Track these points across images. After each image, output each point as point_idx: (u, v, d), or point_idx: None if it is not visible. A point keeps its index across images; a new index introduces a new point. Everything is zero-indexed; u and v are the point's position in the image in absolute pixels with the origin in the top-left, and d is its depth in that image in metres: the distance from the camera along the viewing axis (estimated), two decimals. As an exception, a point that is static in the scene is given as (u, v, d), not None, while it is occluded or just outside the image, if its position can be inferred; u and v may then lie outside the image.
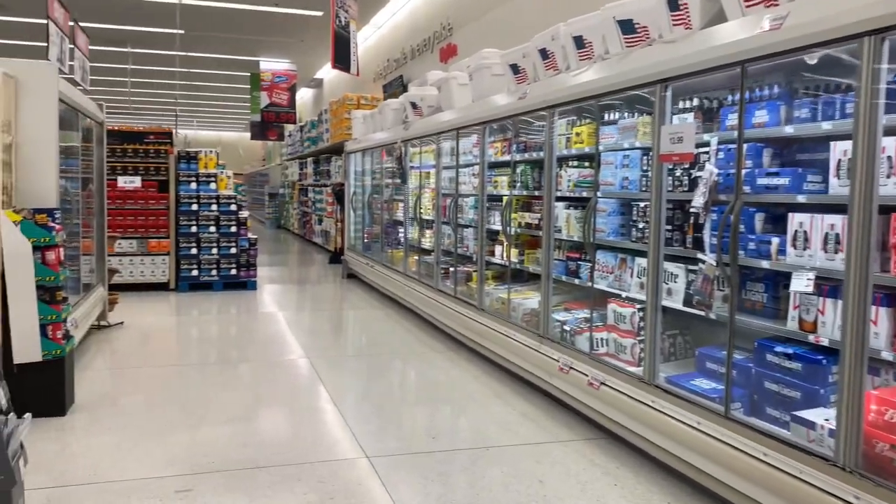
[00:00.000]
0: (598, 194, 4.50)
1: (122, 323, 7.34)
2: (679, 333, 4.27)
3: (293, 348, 6.53)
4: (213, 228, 9.73)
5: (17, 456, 2.90)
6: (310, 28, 15.18)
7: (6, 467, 2.78)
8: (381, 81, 14.79)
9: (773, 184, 3.25)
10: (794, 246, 3.11)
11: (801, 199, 3.12)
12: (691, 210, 3.59)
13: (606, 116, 4.57)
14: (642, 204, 4.14)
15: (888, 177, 2.66)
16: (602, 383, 4.12)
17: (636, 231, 4.23)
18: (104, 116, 7.12)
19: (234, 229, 9.81)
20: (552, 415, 4.68)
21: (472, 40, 10.08)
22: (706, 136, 3.63)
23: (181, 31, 15.23)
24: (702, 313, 3.62)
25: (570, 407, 4.61)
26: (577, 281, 4.90)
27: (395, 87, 13.16)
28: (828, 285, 2.98)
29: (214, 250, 9.75)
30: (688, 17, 3.59)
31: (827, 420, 2.87)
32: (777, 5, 3.11)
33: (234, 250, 9.82)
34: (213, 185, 9.80)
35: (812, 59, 2.94)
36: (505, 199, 5.74)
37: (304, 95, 25.50)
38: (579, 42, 4.54)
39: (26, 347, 4.33)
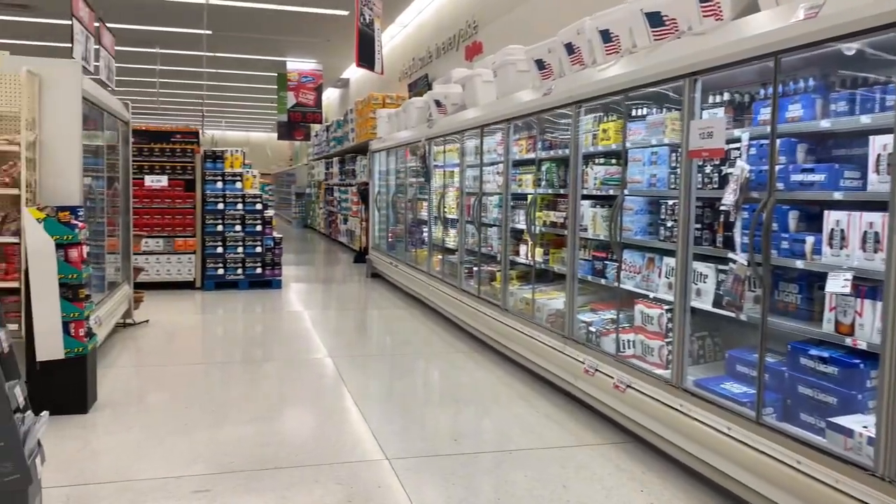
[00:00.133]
0: (626, 192, 4.39)
1: (147, 321, 7.37)
2: (708, 335, 4.14)
3: (317, 347, 6.50)
4: (238, 227, 9.76)
5: (33, 454, 2.88)
6: (336, 27, 15.18)
7: (22, 466, 2.76)
8: (407, 80, 14.75)
9: (808, 180, 3.12)
10: (830, 245, 2.98)
11: (837, 196, 2.99)
12: (722, 208, 3.47)
13: (634, 112, 4.46)
14: (671, 202, 4.02)
15: (932, 172, 2.53)
16: (628, 386, 4.01)
17: (664, 230, 4.11)
18: (130, 115, 7.16)
19: (259, 228, 9.83)
20: (577, 417, 4.58)
21: (497, 38, 9.98)
22: (737, 132, 3.51)
23: (209, 32, 15.33)
24: (732, 315, 3.50)
25: (595, 410, 4.51)
26: (603, 281, 4.79)
27: (421, 86, 13.10)
28: (866, 286, 2.85)
29: (240, 249, 9.78)
30: (718, 7, 3.48)
31: (865, 427, 2.74)
32: (813, -6, 2.98)
33: (259, 249, 9.84)
34: (238, 185, 9.83)
35: (850, 50, 2.81)
36: (530, 197, 5.65)
37: (330, 95, 25.57)
38: (606, 36, 4.44)
39: (49, 345, 4.34)
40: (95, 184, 5.94)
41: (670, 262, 4.05)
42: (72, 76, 4.78)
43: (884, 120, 2.76)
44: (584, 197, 4.95)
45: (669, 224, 4.04)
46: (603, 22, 4.45)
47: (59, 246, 4.35)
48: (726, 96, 3.70)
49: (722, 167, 3.61)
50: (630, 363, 4.16)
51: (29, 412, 2.95)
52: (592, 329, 4.69)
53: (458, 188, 7.40)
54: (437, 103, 7.99)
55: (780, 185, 3.20)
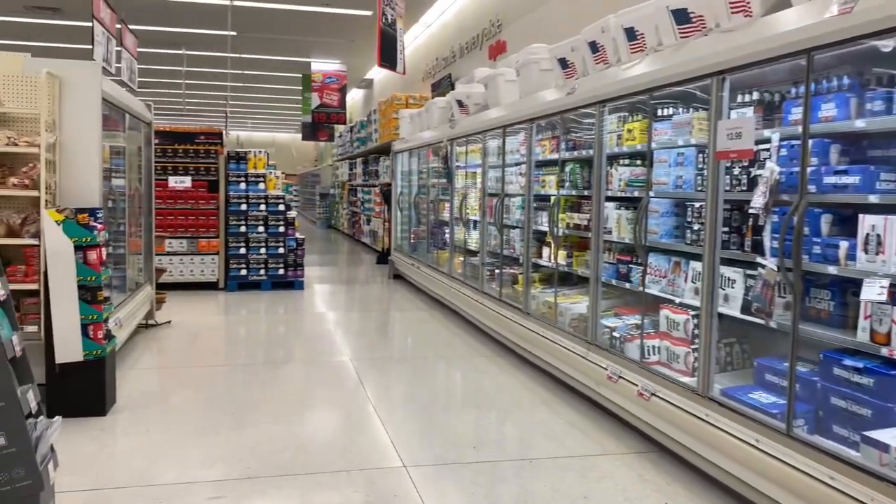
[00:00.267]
0: (651, 194, 4.27)
1: (169, 322, 7.39)
2: (736, 342, 4.02)
3: (337, 350, 6.45)
4: (261, 228, 9.77)
5: (46, 460, 2.85)
6: (360, 28, 15.17)
7: (34, 471, 2.73)
8: (430, 80, 14.68)
9: (842, 183, 2.99)
10: (866, 250, 2.86)
11: (873, 199, 2.86)
12: (750, 211, 3.34)
13: (659, 112, 4.34)
14: (697, 204, 3.90)
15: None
16: (653, 394, 3.89)
17: (691, 233, 3.99)
18: (152, 117, 7.17)
19: (281, 229, 9.83)
20: (600, 425, 4.47)
21: (521, 36, 9.87)
22: (767, 132, 3.38)
23: (233, 33, 15.40)
24: (761, 321, 3.37)
25: (618, 417, 4.39)
26: (627, 285, 4.68)
27: (444, 87, 13.02)
28: (904, 294, 2.72)
29: (262, 250, 9.79)
30: (748, 3, 3.35)
31: (903, 442, 2.62)
32: (847, -12, 2.85)
33: (281, 250, 9.84)
34: (261, 186, 9.83)
35: (886, 46, 2.68)
36: (553, 198, 5.55)
37: (354, 96, 25.61)
38: (630, 34, 4.33)
39: (68, 347, 4.33)
40: (117, 185, 5.95)
41: (697, 266, 3.93)
42: (91, 78, 4.77)
43: (923, 119, 2.64)
44: (609, 199, 4.84)
45: (696, 227, 3.92)
46: (628, 19, 4.34)
47: (77, 248, 4.34)
48: (755, 95, 3.57)
49: (751, 169, 3.49)
50: (655, 370, 4.04)
51: (42, 417, 2.92)
52: (616, 335, 4.57)
53: (481, 189, 7.32)
54: (460, 103, 7.91)
55: (811, 188, 3.08)
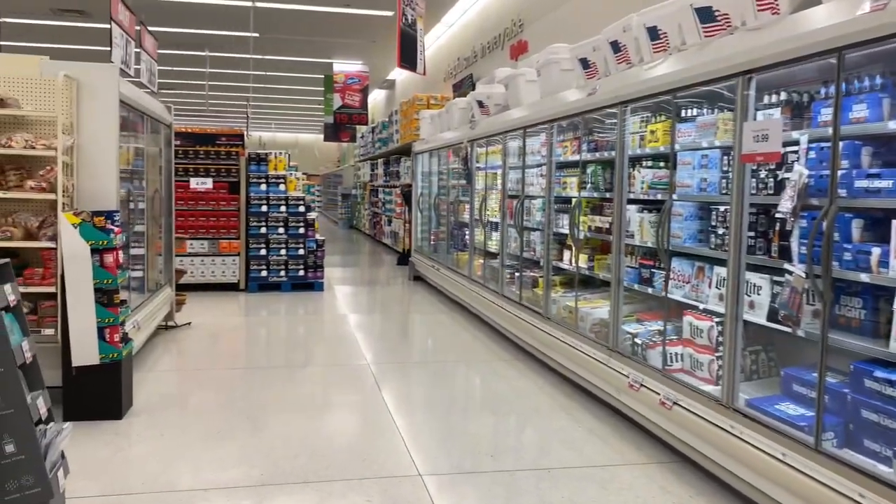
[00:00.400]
0: (674, 197, 4.16)
1: (189, 323, 7.39)
2: (762, 350, 3.90)
3: (356, 353, 6.40)
4: (281, 230, 9.77)
5: (56, 467, 2.82)
6: (381, 29, 15.14)
7: (43, 479, 2.70)
8: (452, 81, 14.61)
9: (874, 187, 2.87)
10: (899, 257, 2.73)
11: (907, 204, 2.74)
12: (778, 215, 3.23)
13: (683, 113, 4.23)
14: (722, 208, 3.79)
15: None
16: (675, 403, 3.79)
17: (715, 237, 3.88)
18: (172, 119, 7.17)
19: (301, 230, 9.82)
20: (621, 433, 4.37)
21: (543, 36, 9.76)
22: (795, 134, 3.26)
23: (255, 35, 15.45)
24: (788, 329, 3.25)
25: (639, 425, 4.29)
26: (650, 290, 4.57)
27: (466, 87, 12.94)
28: (940, 303, 2.60)
29: (283, 251, 9.79)
30: (775, 1, 3.24)
31: (938, 459, 2.50)
32: (881, -16, 2.73)
33: (301, 251, 9.83)
34: (282, 187, 9.84)
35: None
36: (574, 200, 5.45)
37: (376, 97, 25.62)
38: (653, 33, 4.22)
39: (84, 350, 4.33)
40: (136, 186, 5.95)
41: (721, 271, 3.81)
42: (109, 80, 4.76)
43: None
44: (631, 201, 4.73)
45: (721, 231, 3.81)
46: (650, 18, 4.23)
47: (94, 251, 4.33)
48: (783, 96, 3.45)
49: (778, 172, 3.37)
50: (677, 378, 3.93)
51: (52, 424, 2.89)
52: (638, 341, 4.47)
53: (501, 190, 7.23)
54: (480, 104, 7.83)
55: (842, 192, 2.95)
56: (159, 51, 9.55)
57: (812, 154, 3.16)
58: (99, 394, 4.41)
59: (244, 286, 9.72)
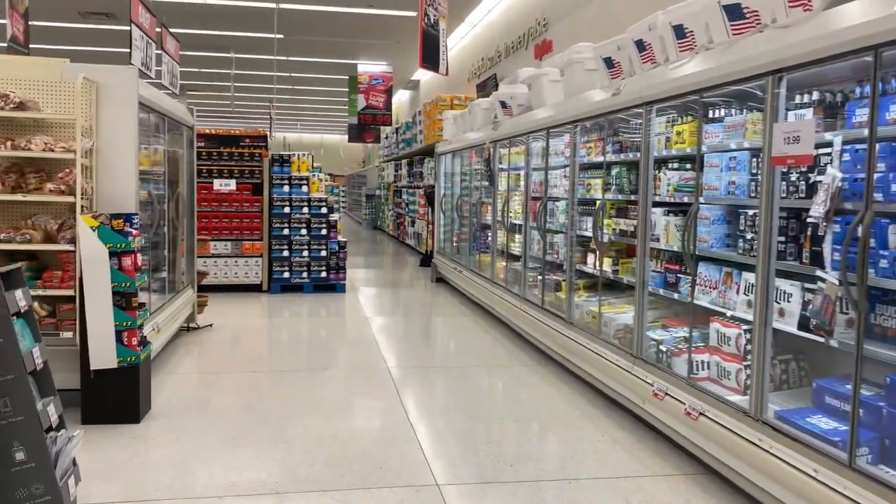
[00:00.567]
0: (701, 200, 4.04)
1: (210, 325, 7.39)
2: (793, 359, 3.76)
3: (376, 356, 6.34)
4: (304, 231, 9.76)
5: (67, 474, 2.78)
6: (405, 29, 15.10)
7: (53, 487, 2.66)
8: (476, 81, 14.52)
9: (913, 191, 2.74)
10: (940, 265, 2.60)
11: (948, 209, 2.60)
12: (809, 220, 3.10)
13: (710, 114, 4.10)
14: (751, 212, 3.66)
15: None
16: (701, 413, 3.67)
17: (744, 242, 3.75)
18: (194, 120, 7.18)
19: (324, 232, 9.81)
20: (645, 443, 4.26)
21: (568, 35, 9.63)
22: (828, 136, 3.13)
23: (280, 36, 15.49)
24: (820, 338, 3.12)
25: (665, 435, 4.17)
26: (675, 295, 4.44)
27: (490, 87, 12.85)
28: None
29: (305, 253, 9.78)
30: (807, -3, 3.11)
31: (982, 480, 2.36)
32: (920, -22, 2.60)
33: (324, 253, 9.81)
34: (304, 188, 9.83)
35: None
36: (598, 203, 5.33)
37: (401, 97, 25.61)
38: (679, 31, 4.10)
39: (102, 354, 4.31)
40: (157, 188, 5.94)
41: (750, 277, 3.68)
42: (128, 82, 4.74)
43: None
44: (656, 204, 4.61)
45: (749, 236, 3.68)
46: (676, 17, 4.11)
47: (112, 254, 4.32)
48: (815, 95, 3.32)
49: (810, 174, 3.24)
50: (703, 387, 3.81)
51: (63, 430, 2.86)
52: (663, 348, 4.35)
53: (524, 192, 7.13)
54: (503, 104, 7.73)
55: (878, 196, 2.82)
56: (184, 52, 9.59)
57: (846, 156, 3.02)
58: (117, 397, 4.39)
59: (266, 287, 9.72)
